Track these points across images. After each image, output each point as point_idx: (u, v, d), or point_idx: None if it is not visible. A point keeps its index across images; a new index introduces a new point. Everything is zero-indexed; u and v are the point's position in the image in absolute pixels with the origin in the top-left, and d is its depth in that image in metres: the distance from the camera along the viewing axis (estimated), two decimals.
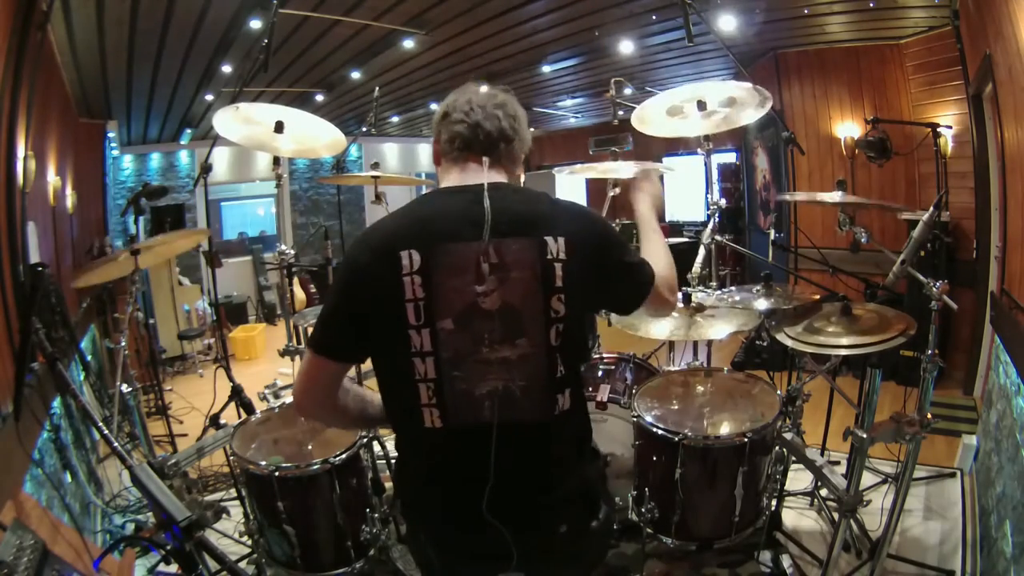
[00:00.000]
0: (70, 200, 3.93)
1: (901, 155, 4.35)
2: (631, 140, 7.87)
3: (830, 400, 2.80)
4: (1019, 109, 2.33)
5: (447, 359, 1.04)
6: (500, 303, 1.03)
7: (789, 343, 1.90)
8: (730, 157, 7.10)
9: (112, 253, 3.06)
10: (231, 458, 2.06)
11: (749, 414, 1.91)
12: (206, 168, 2.63)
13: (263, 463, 1.79)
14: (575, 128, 9.80)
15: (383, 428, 1.44)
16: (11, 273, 1.93)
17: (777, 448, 1.94)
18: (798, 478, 2.69)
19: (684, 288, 2.16)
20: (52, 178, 3.35)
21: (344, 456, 1.79)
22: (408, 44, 4.36)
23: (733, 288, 2.27)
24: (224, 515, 1.91)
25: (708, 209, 2.37)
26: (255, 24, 3.56)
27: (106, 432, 1.30)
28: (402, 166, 10.10)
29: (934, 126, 3.82)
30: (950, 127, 3.92)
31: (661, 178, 1.54)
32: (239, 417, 2.17)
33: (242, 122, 2.24)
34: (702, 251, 2.25)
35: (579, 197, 9.25)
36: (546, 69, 5.49)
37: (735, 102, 2.06)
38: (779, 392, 1.98)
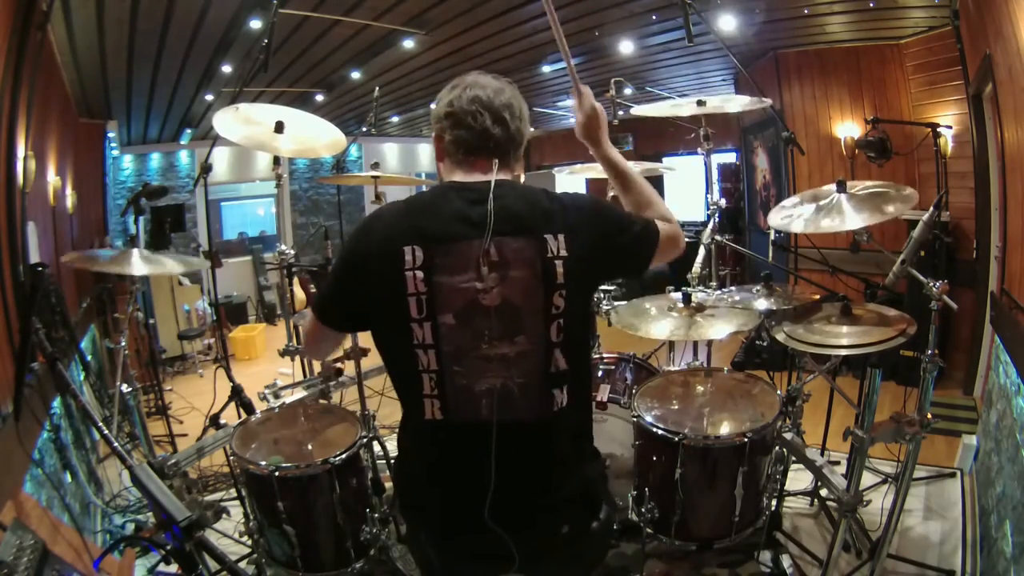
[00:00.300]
0: (70, 200, 3.93)
1: (901, 155, 4.35)
2: (631, 140, 7.87)
3: (830, 400, 2.80)
4: (1019, 109, 2.33)
5: (448, 353, 1.05)
6: (500, 300, 1.04)
7: (789, 343, 1.90)
8: (730, 157, 7.09)
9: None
10: (231, 458, 2.06)
11: (749, 414, 1.91)
12: (206, 168, 2.63)
13: (263, 463, 1.79)
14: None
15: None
16: (11, 273, 1.93)
17: (777, 448, 1.94)
18: (798, 478, 2.68)
19: (684, 288, 2.17)
20: (52, 178, 3.34)
21: (344, 456, 1.79)
22: (408, 44, 4.36)
23: (733, 288, 2.27)
24: (224, 515, 1.91)
25: (708, 209, 2.37)
26: (255, 24, 3.56)
27: (106, 432, 1.30)
28: (402, 166, 10.10)
29: (934, 126, 3.82)
30: (950, 127, 3.92)
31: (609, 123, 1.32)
32: (239, 417, 2.17)
33: (242, 122, 2.24)
34: (702, 251, 2.26)
35: None
36: (546, 69, 5.49)
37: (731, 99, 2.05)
38: (779, 392, 1.98)
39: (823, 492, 2.61)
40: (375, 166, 2.55)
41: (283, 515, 1.75)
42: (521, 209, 1.08)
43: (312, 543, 1.82)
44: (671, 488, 1.77)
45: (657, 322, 2.10)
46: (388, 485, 1.95)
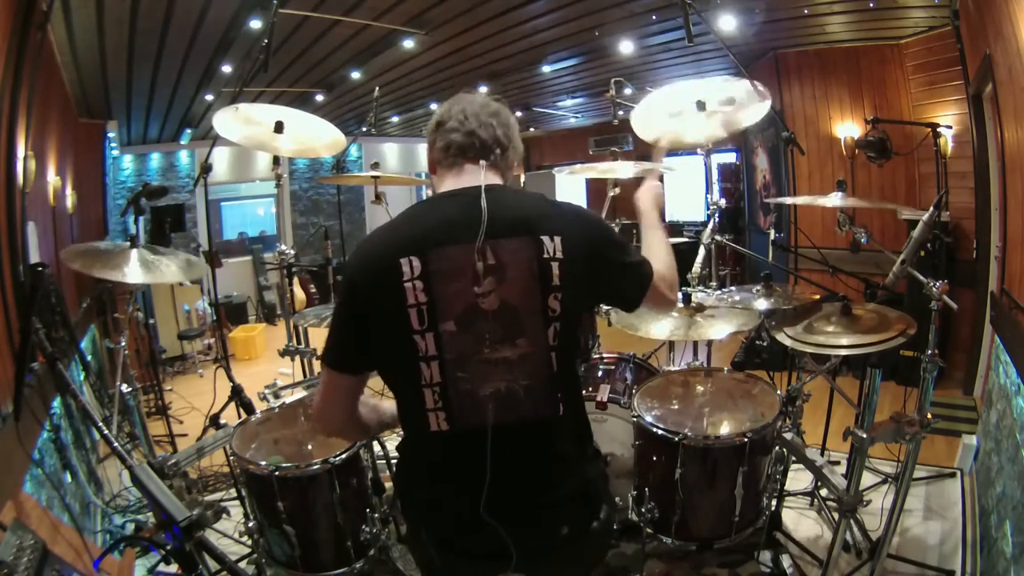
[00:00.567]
0: (70, 200, 3.93)
1: (901, 155, 4.35)
2: (631, 140, 7.86)
3: (830, 400, 2.80)
4: (1019, 109, 2.33)
5: (451, 360, 1.05)
6: (499, 303, 1.04)
7: (789, 343, 1.90)
8: (730, 157, 7.10)
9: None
10: (231, 458, 2.06)
11: (749, 414, 1.91)
12: (206, 168, 2.63)
13: (263, 463, 1.79)
14: (575, 128, 9.79)
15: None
16: (11, 273, 1.93)
17: (777, 448, 1.94)
18: (798, 478, 2.68)
19: (684, 288, 2.16)
20: (52, 178, 3.35)
21: (344, 456, 1.79)
22: (408, 44, 4.36)
23: (733, 288, 2.27)
24: (224, 515, 1.90)
25: (708, 209, 2.37)
26: (255, 24, 3.56)
27: (106, 432, 1.30)
28: (402, 166, 10.10)
29: (934, 126, 3.82)
30: (950, 127, 3.92)
31: (661, 178, 1.55)
32: (239, 417, 2.17)
33: (242, 122, 2.24)
34: (702, 251, 2.26)
35: (579, 197, 9.25)
36: (546, 69, 5.49)
37: (734, 101, 2.05)
38: (779, 392, 1.98)
39: (823, 492, 2.62)
40: (375, 166, 2.55)
41: (283, 515, 1.74)
42: (516, 210, 1.08)
43: (312, 543, 1.82)
44: (671, 488, 1.77)
45: (657, 322, 2.10)
46: (388, 485, 1.95)
